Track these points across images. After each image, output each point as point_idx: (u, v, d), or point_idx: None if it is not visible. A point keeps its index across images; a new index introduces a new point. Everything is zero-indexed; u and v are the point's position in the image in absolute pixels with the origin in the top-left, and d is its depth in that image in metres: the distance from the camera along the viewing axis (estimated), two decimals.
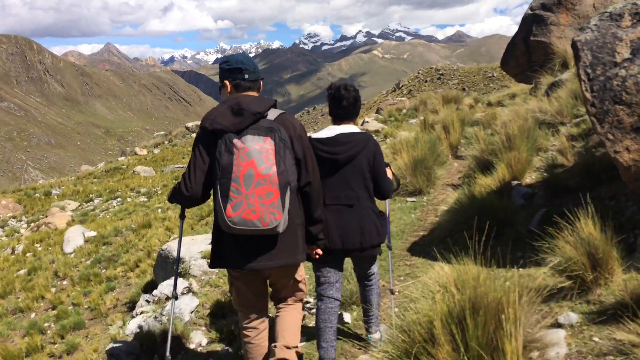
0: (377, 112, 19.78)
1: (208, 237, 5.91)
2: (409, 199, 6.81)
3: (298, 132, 2.68)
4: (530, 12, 12.58)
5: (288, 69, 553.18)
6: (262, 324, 2.91)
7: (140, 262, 7.92)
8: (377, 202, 3.31)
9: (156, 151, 29.47)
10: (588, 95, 3.70)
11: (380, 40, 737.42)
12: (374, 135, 13.32)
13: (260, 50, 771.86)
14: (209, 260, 5.43)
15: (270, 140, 2.48)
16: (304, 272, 3.01)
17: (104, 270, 8.35)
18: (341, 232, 3.04)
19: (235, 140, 2.45)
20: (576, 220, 3.68)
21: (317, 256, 2.97)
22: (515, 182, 5.94)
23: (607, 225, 3.60)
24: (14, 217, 16.72)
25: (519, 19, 13.27)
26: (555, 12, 12.01)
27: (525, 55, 12.72)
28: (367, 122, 15.10)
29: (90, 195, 18.15)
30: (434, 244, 5.25)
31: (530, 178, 6.23)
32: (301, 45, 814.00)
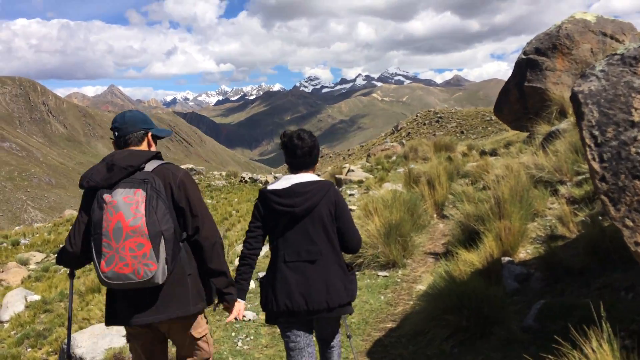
0: (367, 158, 18.84)
1: (122, 329, 4.77)
2: (380, 273, 5.68)
3: (180, 180, 2.61)
4: (524, 56, 11.76)
5: (289, 111, 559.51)
6: None
7: None
8: None
9: None
10: (596, 166, 2.64)
11: (379, 84, 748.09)
12: (356, 186, 12.28)
13: (261, 93, 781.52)
14: None
15: (142, 192, 2.43)
16: (206, 330, 2.80)
17: (28, 350, 7.12)
18: (304, 291, 2.71)
19: (105, 195, 2.42)
20: (584, 341, 2.59)
21: (242, 318, 2.83)
22: (506, 259, 4.83)
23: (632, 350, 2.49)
24: None
25: None
26: (551, 56, 11.18)
27: (520, 102, 11.84)
28: (353, 170, 14.08)
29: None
30: (402, 345, 4.11)
31: (525, 252, 5.12)
32: (302, 88, 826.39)
